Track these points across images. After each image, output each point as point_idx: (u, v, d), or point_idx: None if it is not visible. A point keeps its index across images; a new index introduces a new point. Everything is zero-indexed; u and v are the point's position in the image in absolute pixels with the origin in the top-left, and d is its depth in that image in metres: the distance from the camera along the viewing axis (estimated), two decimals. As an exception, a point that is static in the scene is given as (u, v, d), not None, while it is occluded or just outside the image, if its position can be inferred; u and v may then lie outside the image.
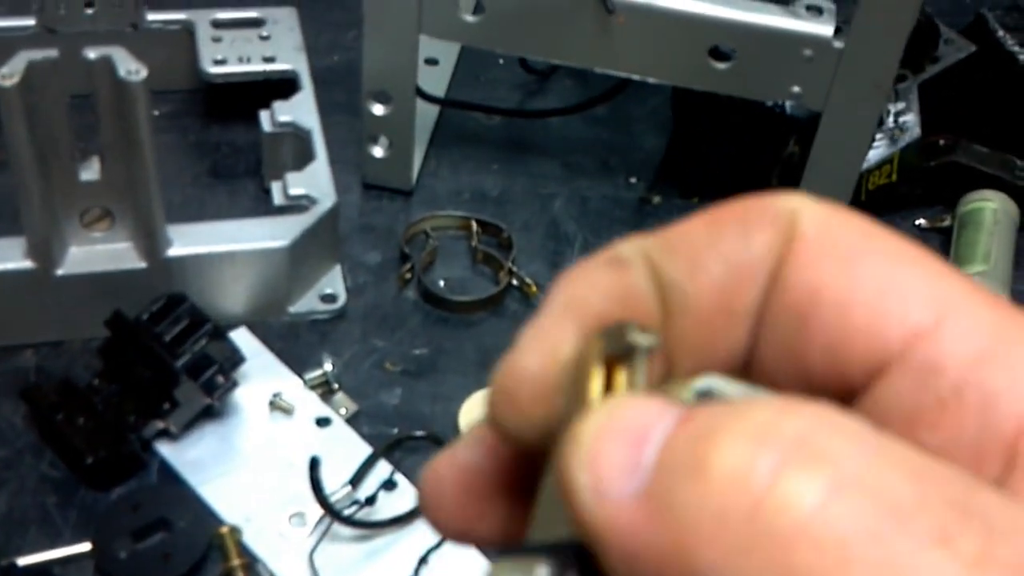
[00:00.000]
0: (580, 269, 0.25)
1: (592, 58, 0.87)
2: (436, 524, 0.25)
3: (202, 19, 0.92)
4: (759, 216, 0.24)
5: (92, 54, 0.71)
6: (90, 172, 0.76)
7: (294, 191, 0.83)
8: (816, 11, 0.84)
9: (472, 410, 0.80)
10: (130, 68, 0.70)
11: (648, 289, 0.24)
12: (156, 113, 0.91)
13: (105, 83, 0.71)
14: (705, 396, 0.22)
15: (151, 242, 0.77)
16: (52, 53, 0.70)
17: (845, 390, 0.24)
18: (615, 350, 0.22)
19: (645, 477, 0.20)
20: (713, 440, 0.19)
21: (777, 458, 0.19)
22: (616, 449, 0.20)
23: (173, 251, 0.78)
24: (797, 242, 0.24)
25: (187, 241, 0.79)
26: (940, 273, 0.23)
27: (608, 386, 0.22)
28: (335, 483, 0.74)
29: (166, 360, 0.74)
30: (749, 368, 0.25)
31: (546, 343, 0.23)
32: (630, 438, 0.20)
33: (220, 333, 0.76)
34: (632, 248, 0.25)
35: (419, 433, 0.78)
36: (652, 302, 0.24)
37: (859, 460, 0.19)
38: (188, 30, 0.92)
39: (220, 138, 0.94)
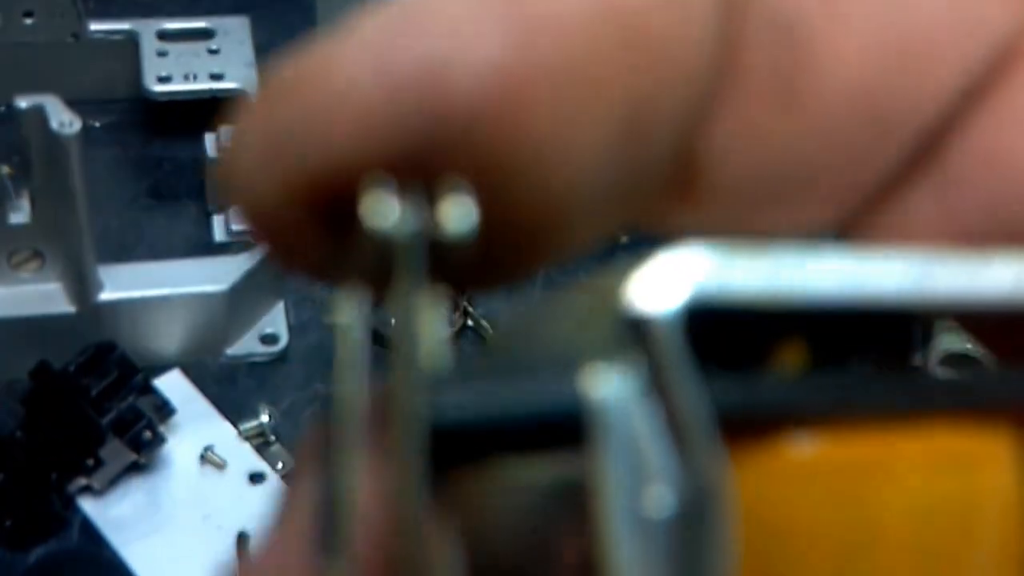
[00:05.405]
0: None
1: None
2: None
3: (148, 29, 0.88)
4: None
5: (24, 103, 0.67)
6: (20, 215, 0.72)
7: (237, 227, 0.80)
8: None
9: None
10: (63, 120, 0.67)
11: None
12: (96, 124, 0.87)
13: (37, 133, 0.67)
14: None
15: (82, 286, 0.74)
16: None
17: None
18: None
19: None
20: None
21: None
22: None
23: (105, 295, 0.75)
24: None
25: (119, 285, 0.76)
26: None
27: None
28: (263, 555, 0.72)
29: (92, 417, 0.71)
30: None
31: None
32: None
33: (150, 387, 0.74)
34: None
35: (353, 496, 0.76)
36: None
37: None
38: (133, 40, 0.87)
39: (162, 153, 0.90)
